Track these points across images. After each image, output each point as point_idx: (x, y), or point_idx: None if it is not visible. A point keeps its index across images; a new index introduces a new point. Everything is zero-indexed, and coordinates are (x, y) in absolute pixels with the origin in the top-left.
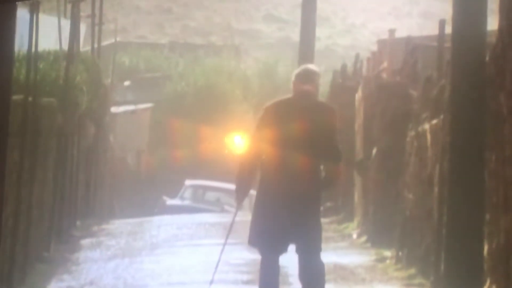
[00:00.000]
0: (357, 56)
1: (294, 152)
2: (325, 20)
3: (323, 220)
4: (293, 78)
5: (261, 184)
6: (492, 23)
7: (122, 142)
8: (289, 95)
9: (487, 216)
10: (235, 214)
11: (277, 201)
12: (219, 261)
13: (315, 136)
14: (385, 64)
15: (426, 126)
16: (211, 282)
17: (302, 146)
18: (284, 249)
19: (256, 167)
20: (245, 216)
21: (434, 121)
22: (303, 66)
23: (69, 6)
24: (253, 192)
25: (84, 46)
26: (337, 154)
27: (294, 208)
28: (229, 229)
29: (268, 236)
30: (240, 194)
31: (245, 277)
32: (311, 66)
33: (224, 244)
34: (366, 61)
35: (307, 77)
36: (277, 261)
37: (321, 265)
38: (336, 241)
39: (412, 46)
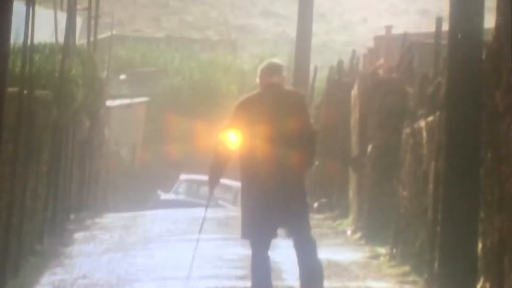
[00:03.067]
0: (353, 52)
1: (270, 142)
2: (322, 16)
3: (318, 217)
4: (258, 73)
5: (243, 178)
6: (489, 21)
7: (117, 136)
8: (257, 90)
9: (482, 214)
10: (208, 204)
11: (261, 192)
12: (194, 257)
13: (287, 121)
14: (381, 61)
15: (422, 123)
16: (188, 278)
17: (278, 135)
18: (274, 235)
19: (229, 158)
20: (239, 212)
21: (430, 119)
22: (267, 61)
23: None
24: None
25: (80, 39)
26: (311, 136)
27: (276, 197)
28: (202, 222)
29: (258, 226)
30: (212, 183)
31: (238, 272)
32: (275, 60)
33: (198, 239)
34: (362, 58)
35: (272, 70)
36: (267, 254)
37: (317, 259)
38: (330, 238)
39: (408, 43)
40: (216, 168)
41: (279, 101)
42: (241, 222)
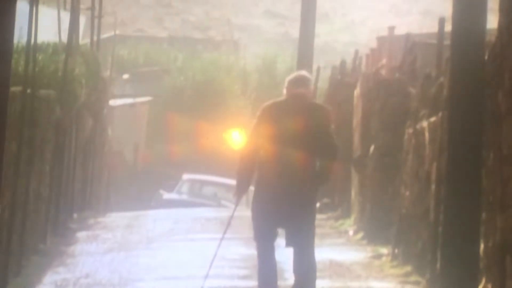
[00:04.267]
0: (356, 53)
1: (290, 149)
2: (324, 16)
3: (320, 217)
4: (286, 84)
5: (258, 180)
6: (492, 22)
7: (120, 135)
8: (285, 97)
9: (484, 215)
10: (235, 210)
11: (274, 195)
12: (215, 256)
13: (311, 133)
14: (384, 61)
15: (424, 123)
16: (206, 277)
17: (298, 143)
18: (275, 237)
19: (255, 164)
20: (243, 211)
21: (432, 119)
22: (295, 73)
23: None
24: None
25: (83, 39)
26: (332, 151)
27: (290, 202)
28: (227, 225)
29: (266, 229)
30: (240, 190)
31: (241, 272)
32: (303, 73)
33: (221, 239)
34: (365, 58)
35: (299, 82)
36: (273, 255)
37: (313, 259)
38: (332, 238)
39: (411, 44)
40: (245, 175)
41: (305, 110)
42: (252, 224)
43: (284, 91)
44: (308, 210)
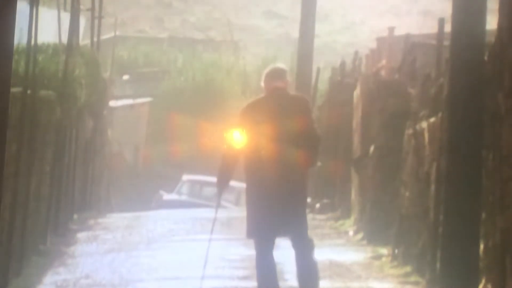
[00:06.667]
0: (356, 54)
1: (274, 145)
2: (324, 17)
3: (320, 217)
4: (262, 78)
5: (248, 179)
6: (492, 23)
7: (120, 136)
8: (262, 95)
9: (483, 215)
10: (217, 209)
11: (264, 192)
12: (206, 257)
13: (292, 125)
14: (384, 62)
15: (424, 124)
16: (202, 277)
17: (282, 137)
18: (275, 236)
19: (236, 163)
20: (242, 212)
21: (432, 120)
22: (271, 66)
23: (69, 0)
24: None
25: (83, 40)
26: (316, 139)
27: (280, 197)
28: (213, 224)
29: (261, 226)
30: (221, 185)
31: (241, 272)
32: (279, 65)
33: (210, 239)
34: (365, 59)
35: (276, 74)
36: (271, 253)
37: (313, 260)
38: (332, 238)
39: (411, 44)
40: (225, 171)
41: (284, 105)
42: (246, 222)
43: (262, 84)
44: (301, 207)
